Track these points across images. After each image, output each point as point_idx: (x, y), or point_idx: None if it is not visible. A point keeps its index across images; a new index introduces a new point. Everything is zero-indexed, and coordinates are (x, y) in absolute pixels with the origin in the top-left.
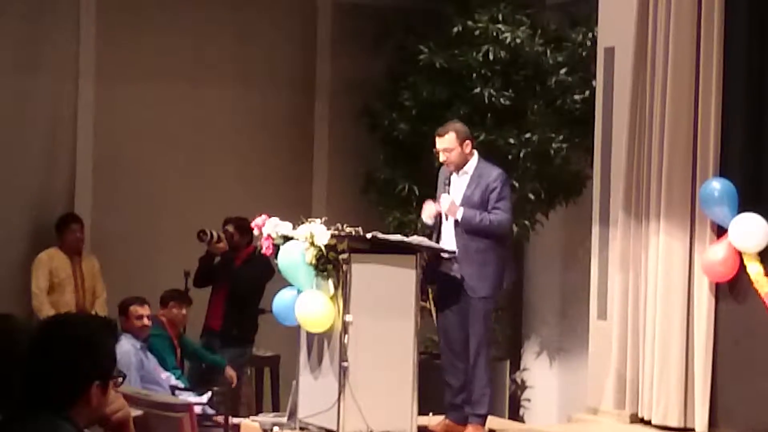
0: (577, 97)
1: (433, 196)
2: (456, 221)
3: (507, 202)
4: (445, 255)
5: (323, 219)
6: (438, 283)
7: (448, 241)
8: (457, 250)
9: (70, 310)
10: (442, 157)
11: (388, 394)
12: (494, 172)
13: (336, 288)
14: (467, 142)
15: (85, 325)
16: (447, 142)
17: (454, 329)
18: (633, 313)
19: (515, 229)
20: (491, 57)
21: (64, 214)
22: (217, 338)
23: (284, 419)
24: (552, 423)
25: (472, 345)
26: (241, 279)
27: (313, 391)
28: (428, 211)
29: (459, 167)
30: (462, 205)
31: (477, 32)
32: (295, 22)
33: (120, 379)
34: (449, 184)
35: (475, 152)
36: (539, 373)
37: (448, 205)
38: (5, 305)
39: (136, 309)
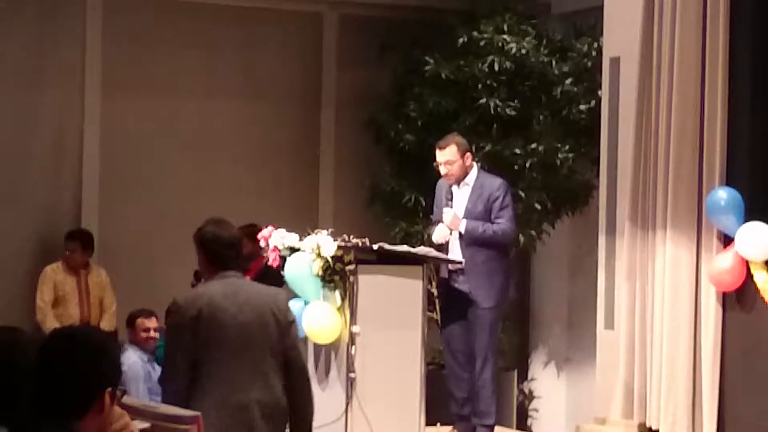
0: (582, 107)
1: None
2: (460, 233)
3: (510, 211)
4: (453, 266)
5: (330, 230)
6: (443, 294)
7: (456, 253)
8: (464, 263)
9: (74, 323)
10: (443, 170)
11: (395, 405)
12: (496, 182)
13: (343, 299)
14: (467, 154)
15: (94, 334)
16: (449, 155)
17: (459, 340)
18: (640, 323)
19: (522, 239)
20: (497, 67)
21: (68, 231)
22: None
23: None
24: None
25: (479, 356)
26: None
27: (320, 403)
28: (442, 234)
29: (459, 180)
30: (465, 217)
31: (482, 43)
32: (301, 34)
33: (121, 393)
34: (451, 198)
35: (475, 164)
36: (547, 383)
37: (451, 218)
38: (11, 317)
39: (143, 322)
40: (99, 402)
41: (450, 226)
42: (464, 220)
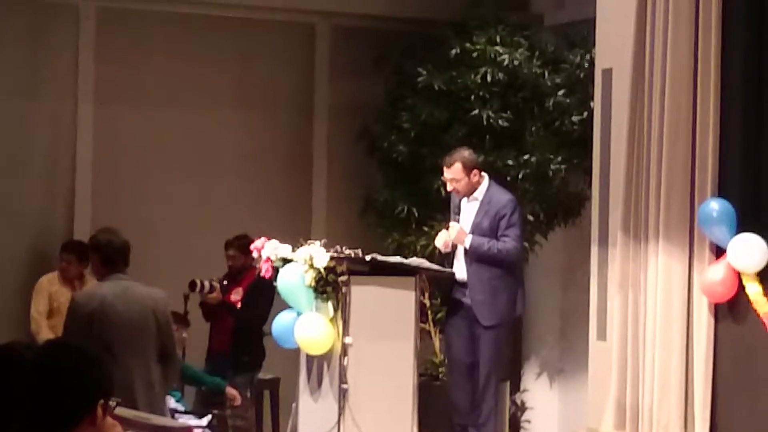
0: (575, 118)
1: (433, 218)
2: (465, 249)
3: (516, 230)
4: (459, 279)
5: (322, 241)
6: (448, 309)
7: (461, 268)
8: (468, 277)
9: None
10: (449, 187)
11: (388, 416)
12: (504, 199)
13: (335, 310)
14: (474, 171)
15: (86, 345)
16: (453, 173)
17: (463, 355)
18: (632, 334)
19: None
20: (489, 79)
21: (64, 242)
22: (227, 364)
23: None
24: None
25: (482, 371)
26: (249, 306)
27: (312, 414)
28: (442, 239)
29: (468, 195)
30: (472, 231)
31: (475, 54)
32: (294, 45)
33: (114, 404)
34: (459, 213)
35: (486, 177)
36: (539, 394)
37: (456, 233)
38: (5, 328)
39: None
40: (92, 414)
41: (455, 240)
42: (470, 236)
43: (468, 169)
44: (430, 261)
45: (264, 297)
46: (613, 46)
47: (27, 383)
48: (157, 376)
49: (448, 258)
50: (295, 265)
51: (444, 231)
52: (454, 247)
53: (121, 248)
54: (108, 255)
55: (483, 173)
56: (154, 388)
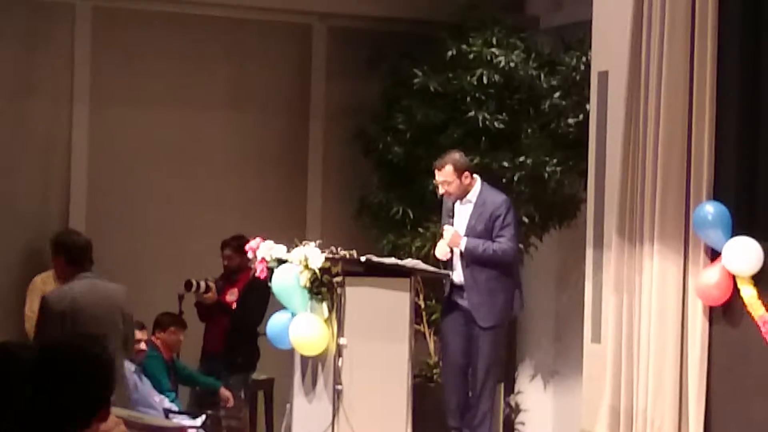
0: (570, 120)
1: (428, 220)
2: (461, 251)
3: (511, 229)
4: (457, 282)
5: (317, 242)
6: (445, 311)
7: (457, 271)
8: (464, 280)
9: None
10: (441, 190)
11: (382, 417)
12: (498, 199)
13: (330, 311)
14: (466, 173)
15: (90, 346)
16: (444, 175)
17: (459, 357)
18: (627, 337)
19: None
20: (485, 81)
21: None
22: (221, 365)
23: None
24: None
25: (480, 373)
26: (245, 307)
27: (307, 415)
28: (442, 250)
29: (460, 197)
30: (467, 234)
31: (471, 56)
32: (290, 45)
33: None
34: (453, 216)
35: (478, 179)
36: (533, 396)
37: (450, 236)
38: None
39: (135, 333)
40: (103, 411)
41: (450, 244)
42: (465, 238)
43: (459, 171)
44: (425, 262)
45: (259, 297)
46: (609, 49)
47: (36, 384)
48: (122, 370)
49: (445, 262)
50: (290, 265)
51: (443, 241)
52: (450, 250)
53: (86, 247)
54: (74, 255)
55: (475, 175)
56: (122, 382)
